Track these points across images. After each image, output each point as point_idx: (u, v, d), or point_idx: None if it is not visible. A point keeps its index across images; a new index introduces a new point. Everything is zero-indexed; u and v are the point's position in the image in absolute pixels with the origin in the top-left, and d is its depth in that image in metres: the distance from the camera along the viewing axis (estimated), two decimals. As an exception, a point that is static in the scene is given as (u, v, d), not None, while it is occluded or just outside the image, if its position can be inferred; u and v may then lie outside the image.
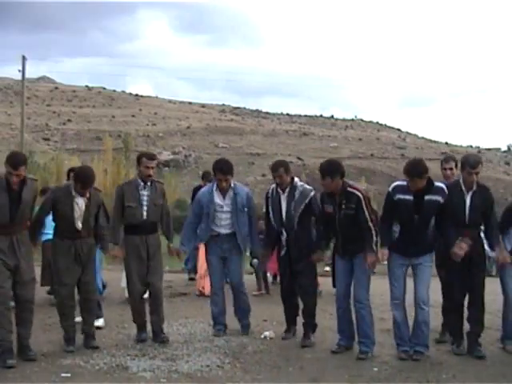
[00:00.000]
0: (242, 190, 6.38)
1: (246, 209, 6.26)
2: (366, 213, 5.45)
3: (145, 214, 5.90)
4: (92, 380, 4.82)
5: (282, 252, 6.08)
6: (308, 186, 6.08)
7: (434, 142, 75.33)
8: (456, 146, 72.24)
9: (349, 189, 5.55)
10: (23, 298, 5.32)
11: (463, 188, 5.54)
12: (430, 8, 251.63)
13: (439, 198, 5.38)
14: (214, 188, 6.28)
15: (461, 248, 5.35)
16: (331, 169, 5.56)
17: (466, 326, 5.72)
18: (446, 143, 73.74)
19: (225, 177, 6.18)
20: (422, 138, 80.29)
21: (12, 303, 5.45)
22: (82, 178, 5.59)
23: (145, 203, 5.90)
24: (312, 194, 5.96)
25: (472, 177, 5.50)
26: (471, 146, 75.05)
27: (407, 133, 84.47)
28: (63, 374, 4.91)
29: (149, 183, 5.95)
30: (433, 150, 60.38)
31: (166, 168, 50.97)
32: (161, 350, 5.65)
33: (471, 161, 5.54)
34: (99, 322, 6.36)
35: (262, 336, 6.19)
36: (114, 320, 6.86)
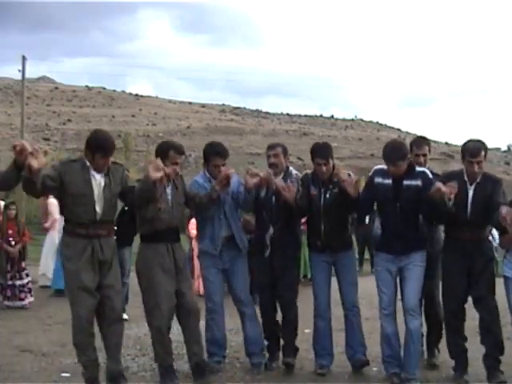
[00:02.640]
0: (233, 175, 5.10)
1: (235, 195, 5.14)
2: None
3: (169, 217, 4.64)
4: (92, 380, 4.80)
5: (266, 253, 5.15)
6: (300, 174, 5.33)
7: (434, 141, 75.18)
8: (456, 145, 72.13)
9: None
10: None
11: (466, 179, 4.76)
12: (430, 8, 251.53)
13: (418, 183, 4.73)
14: (208, 176, 5.16)
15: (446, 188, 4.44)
16: (326, 150, 5.04)
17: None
18: (446, 143, 73.69)
19: (223, 161, 5.09)
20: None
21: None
22: (99, 143, 4.18)
23: (170, 205, 4.66)
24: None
25: (473, 167, 4.66)
26: (471, 146, 75.03)
27: (407, 133, 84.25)
28: (63, 374, 4.90)
29: (172, 180, 4.73)
30: (433, 150, 60.08)
31: (166, 168, 50.96)
32: (161, 350, 5.61)
33: (471, 148, 4.70)
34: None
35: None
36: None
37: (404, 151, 4.76)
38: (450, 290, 4.86)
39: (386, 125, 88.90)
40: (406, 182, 4.73)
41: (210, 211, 5.04)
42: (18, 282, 7.91)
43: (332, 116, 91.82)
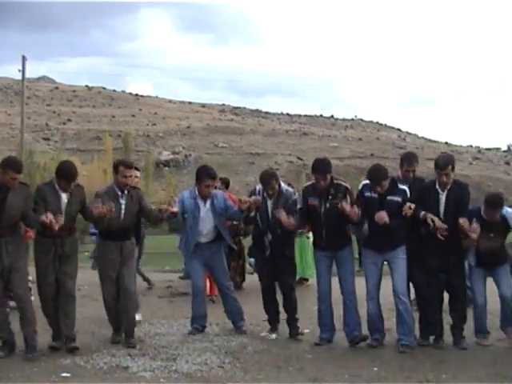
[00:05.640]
0: (218, 192, 6.55)
1: (223, 210, 6.29)
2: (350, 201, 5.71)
3: (121, 222, 5.88)
4: (92, 380, 4.82)
5: (266, 253, 6.16)
6: (291, 189, 6.29)
7: (434, 141, 75.32)
8: (456, 145, 72.27)
9: (335, 181, 5.82)
10: (18, 294, 5.48)
11: (437, 187, 5.65)
12: (430, 8, 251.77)
13: (399, 199, 5.61)
14: (197, 194, 6.28)
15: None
16: (325, 167, 5.77)
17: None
18: (446, 143, 73.79)
19: (213, 182, 6.34)
20: (422, 137, 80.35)
21: (12, 303, 5.71)
22: (64, 173, 5.59)
23: (122, 212, 5.86)
24: (295, 197, 6.18)
25: (442, 178, 5.59)
26: (471, 146, 75.09)
27: (407, 133, 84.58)
28: (63, 374, 4.91)
29: (126, 192, 5.94)
30: (433, 150, 60.43)
31: (166, 168, 51.02)
32: (161, 350, 5.65)
33: (440, 162, 5.63)
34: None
35: (262, 336, 6.19)
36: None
37: (385, 173, 5.67)
38: (432, 276, 5.71)
39: (386, 125, 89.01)
40: (389, 198, 5.65)
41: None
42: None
43: (332, 116, 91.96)
